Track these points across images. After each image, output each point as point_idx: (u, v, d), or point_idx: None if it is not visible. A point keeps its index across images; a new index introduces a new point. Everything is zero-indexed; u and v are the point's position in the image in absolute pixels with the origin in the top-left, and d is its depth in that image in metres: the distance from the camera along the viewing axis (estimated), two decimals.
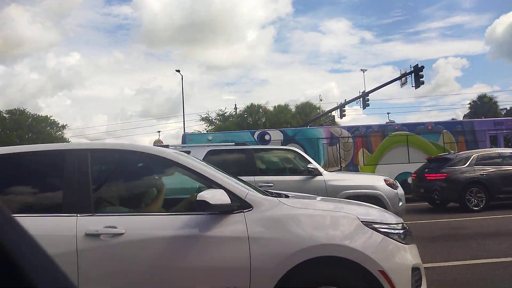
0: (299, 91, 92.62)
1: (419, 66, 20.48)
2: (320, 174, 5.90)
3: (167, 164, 2.72)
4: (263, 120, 37.65)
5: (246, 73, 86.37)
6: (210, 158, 5.97)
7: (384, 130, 14.03)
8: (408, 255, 2.42)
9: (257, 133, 13.43)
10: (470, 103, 46.54)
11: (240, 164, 6.17)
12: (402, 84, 21.58)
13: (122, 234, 2.26)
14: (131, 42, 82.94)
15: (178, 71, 31.89)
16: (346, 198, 5.44)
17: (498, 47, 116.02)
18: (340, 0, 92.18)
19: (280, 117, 37.20)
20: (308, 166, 5.96)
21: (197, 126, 42.32)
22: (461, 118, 42.03)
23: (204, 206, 2.24)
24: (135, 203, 2.80)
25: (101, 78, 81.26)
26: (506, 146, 13.66)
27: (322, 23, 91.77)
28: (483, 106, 43.35)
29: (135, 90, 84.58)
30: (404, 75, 21.29)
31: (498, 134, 13.99)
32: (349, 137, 13.63)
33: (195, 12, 76.52)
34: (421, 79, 20.28)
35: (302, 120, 36.13)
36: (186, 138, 13.39)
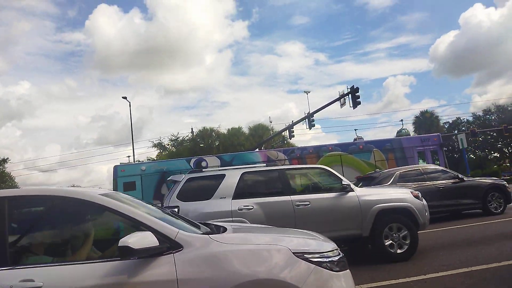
0: (259, 112, 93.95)
1: (355, 87, 21.51)
2: (353, 190, 5.91)
3: (94, 208, 2.59)
4: (217, 144, 37.50)
5: (206, 96, 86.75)
6: (245, 180, 6.02)
7: (318, 151, 14.42)
8: (340, 283, 2.46)
9: (193, 160, 13.31)
10: (414, 118, 49.34)
11: (275, 185, 6.17)
12: (342, 105, 22.50)
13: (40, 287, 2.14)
14: (84, 68, 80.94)
15: (125, 98, 31.22)
16: (380, 211, 5.66)
17: (442, 64, 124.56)
18: (293, 25, 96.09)
19: (233, 139, 37.27)
20: (342, 183, 5.95)
21: (150, 153, 41.39)
22: (412, 133, 44.55)
23: (126, 253, 2.15)
24: (59, 252, 2.63)
25: (53, 107, 77.97)
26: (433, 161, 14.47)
27: (278, 46, 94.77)
28: (425, 121, 46.02)
29: (90, 118, 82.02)
30: (342, 96, 22.23)
31: (425, 150, 14.82)
32: (285, 159, 13.83)
33: (150, 37, 76.32)
34: (358, 100, 21.20)
35: (255, 142, 36.43)
36: (118, 170, 12.96)
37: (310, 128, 26.33)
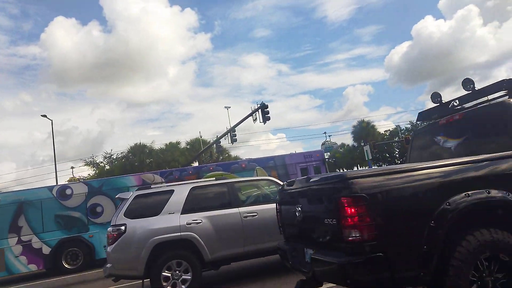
0: (224, 123, 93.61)
1: (266, 104, 21.82)
2: None
3: None
4: (150, 160, 36.58)
5: (169, 108, 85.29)
6: (194, 194, 6.22)
7: (199, 171, 14.14)
8: None
9: (56, 188, 12.56)
10: (352, 128, 50.83)
11: (224, 198, 6.38)
12: (254, 120, 22.68)
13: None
14: (40, 82, 77.13)
15: (45, 116, 29.85)
16: None
17: (396, 74, 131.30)
18: (255, 37, 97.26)
19: (167, 155, 36.52)
20: None
21: (83, 172, 39.74)
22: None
23: None
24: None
25: (7, 123, 73.56)
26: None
27: (241, 57, 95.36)
28: (362, 130, 47.55)
29: (47, 133, 78.04)
30: (253, 111, 22.45)
31: (308, 166, 14.92)
32: (162, 182, 13.42)
33: (110, 50, 74.11)
34: (267, 115, 21.49)
35: (191, 157, 35.88)
36: None
37: (232, 142, 26.33)
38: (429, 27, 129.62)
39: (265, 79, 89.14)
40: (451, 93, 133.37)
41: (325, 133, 32.56)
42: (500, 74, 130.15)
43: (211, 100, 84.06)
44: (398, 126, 54.30)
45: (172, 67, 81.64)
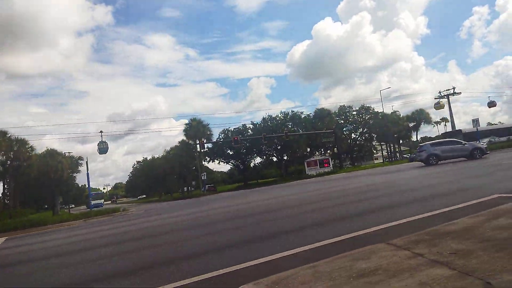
0: (124, 104, 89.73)
1: None
2: None
3: None
4: None
5: (59, 84, 78.77)
6: None
7: None
8: None
9: None
10: (185, 125, 55.06)
11: None
12: None
13: None
14: None
15: None
16: None
17: (296, 70, 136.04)
18: (163, 16, 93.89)
19: None
20: None
21: None
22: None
23: None
24: None
25: None
26: None
27: (146, 36, 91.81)
28: (192, 128, 52.36)
29: None
30: None
31: None
32: None
33: None
34: None
35: None
36: None
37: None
38: (328, 28, 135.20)
39: (172, 62, 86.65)
40: (341, 92, 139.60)
41: (101, 132, 30.44)
42: (383, 78, 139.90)
43: (110, 78, 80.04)
44: (244, 125, 60.33)
45: (65, 37, 75.51)
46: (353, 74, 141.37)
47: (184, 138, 57.03)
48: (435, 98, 61.47)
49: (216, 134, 65.15)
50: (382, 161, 70.25)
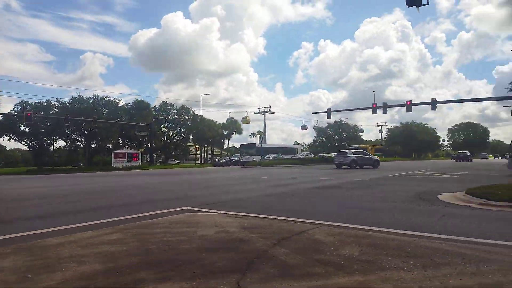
0: None
1: None
2: None
3: None
4: None
5: None
6: None
7: None
8: None
9: None
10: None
11: None
12: None
13: None
14: None
15: None
16: None
17: (139, 56, 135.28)
18: None
19: None
20: None
21: None
22: None
23: None
24: None
25: None
26: None
27: None
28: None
29: None
30: None
31: None
32: None
33: None
34: None
35: None
36: None
37: None
38: (178, 23, 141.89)
39: None
40: (182, 90, 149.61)
41: None
42: (222, 85, 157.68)
43: None
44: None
45: None
46: (195, 74, 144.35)
47: None
48: (254, 113, 69.36)
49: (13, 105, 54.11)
50: (195, 162, 74.00)
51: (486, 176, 18.25)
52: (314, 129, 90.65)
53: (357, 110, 40.01)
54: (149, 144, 60.05)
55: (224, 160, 49.29)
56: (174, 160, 74.19)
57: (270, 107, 71.11)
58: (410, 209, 7.80)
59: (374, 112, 36.04)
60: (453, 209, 7.82)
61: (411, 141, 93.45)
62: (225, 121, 73.21)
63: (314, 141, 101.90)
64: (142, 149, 59.96)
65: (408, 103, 36.13)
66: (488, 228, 5.75)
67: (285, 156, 49.97)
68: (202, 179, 19.73)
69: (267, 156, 46.37)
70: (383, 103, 36.57)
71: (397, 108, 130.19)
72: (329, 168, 29.91)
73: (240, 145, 57.76)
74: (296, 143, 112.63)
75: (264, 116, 71.33)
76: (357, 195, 10.47)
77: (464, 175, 19.49)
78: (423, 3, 10.54)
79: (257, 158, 45.67)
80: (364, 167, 30.22)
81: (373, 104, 36.08)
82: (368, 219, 6.52)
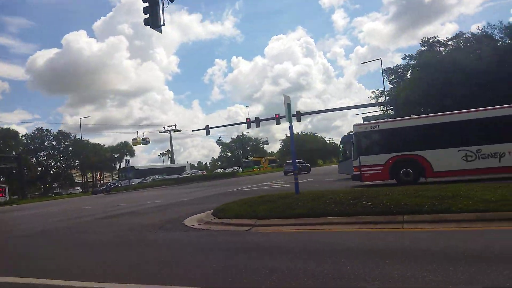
0: None
1: None
2: None
3: None
4: None
5: None
6: None
7: None
8: None
9: None
10: None
11: None
12: None
13: None
14: None
15: None
16: None
17: (37, 77, 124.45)
18: None
19: None
20: None
21: None
22: None
23: None
24: None
25: None
26: None
27: None
28: None
29: None
30: None
31: None
32: None
33: None
34: None
35: None
36: None
37: None
38: (81, 41, 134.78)
39: None
40: (91, 111, 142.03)
41: None
42: (136, 105, 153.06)
43: None
44: None
45: None
46: (105, 95, 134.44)
47: None
48: (159, 132, 67.70)
49: None
50: (83, 190, 68.96)
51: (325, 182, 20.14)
52: (218, 144, 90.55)
53: (265, 120, 43.66)
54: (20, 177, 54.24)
55: (104, 187, 46.87)
56: (57, 191, 68.14)
57: (175, 125, 69.70)
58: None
59: (277, 122, 39.52)
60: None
61: (302, 150, 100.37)
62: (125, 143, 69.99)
63: (219, 156, 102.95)
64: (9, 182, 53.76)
65: (277, 116, 39.94)
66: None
67: (171, 176, 49.54)
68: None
69: (146, 178, 45.45)
70: (275, 114, 39.80)
71: (309, 119, 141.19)
72: (190, 187, 30.33)
73: (118, 169, 55.48)
74: (213, 159, 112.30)
75: (170, 135, 69.51)
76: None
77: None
78: (160, 24, 11.44)
79: (137, 181, 44.50)
80: (302, 173, 36.10)
81: (275, 114, 39.53)
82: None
